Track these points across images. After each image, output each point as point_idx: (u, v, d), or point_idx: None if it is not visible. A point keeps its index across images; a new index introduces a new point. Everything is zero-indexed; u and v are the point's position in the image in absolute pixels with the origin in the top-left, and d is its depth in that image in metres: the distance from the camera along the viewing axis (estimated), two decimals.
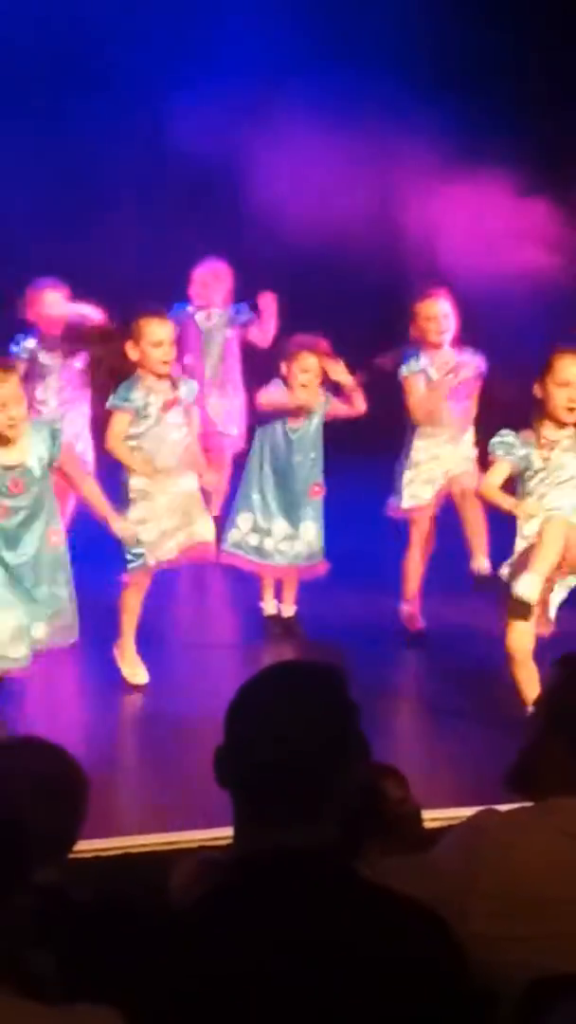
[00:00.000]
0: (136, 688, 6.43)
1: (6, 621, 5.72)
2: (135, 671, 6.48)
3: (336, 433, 7.08)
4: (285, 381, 6.89)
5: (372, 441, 7.32)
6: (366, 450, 7.59)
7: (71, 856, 3.03)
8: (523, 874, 2.72)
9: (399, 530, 7.17)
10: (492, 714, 5.95)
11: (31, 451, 5.85)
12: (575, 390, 5.95)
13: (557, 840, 2.75)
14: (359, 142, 9.14)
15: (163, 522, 6.46)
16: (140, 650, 6.53)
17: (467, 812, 2.92)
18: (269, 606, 7.19)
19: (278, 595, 7.17)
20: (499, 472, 6.02)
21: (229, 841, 2.36)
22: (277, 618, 7.18)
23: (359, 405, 6.97)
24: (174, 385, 6.55)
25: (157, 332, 6.44)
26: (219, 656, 6.85)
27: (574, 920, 2.69)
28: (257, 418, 7.15)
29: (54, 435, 5.95)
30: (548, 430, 5.99)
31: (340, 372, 6.91)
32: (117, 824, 4.99)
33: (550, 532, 5.82)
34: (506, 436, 6.02)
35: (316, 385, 6.91)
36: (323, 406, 6.97)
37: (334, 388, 6.97)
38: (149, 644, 6.63)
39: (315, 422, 6.98)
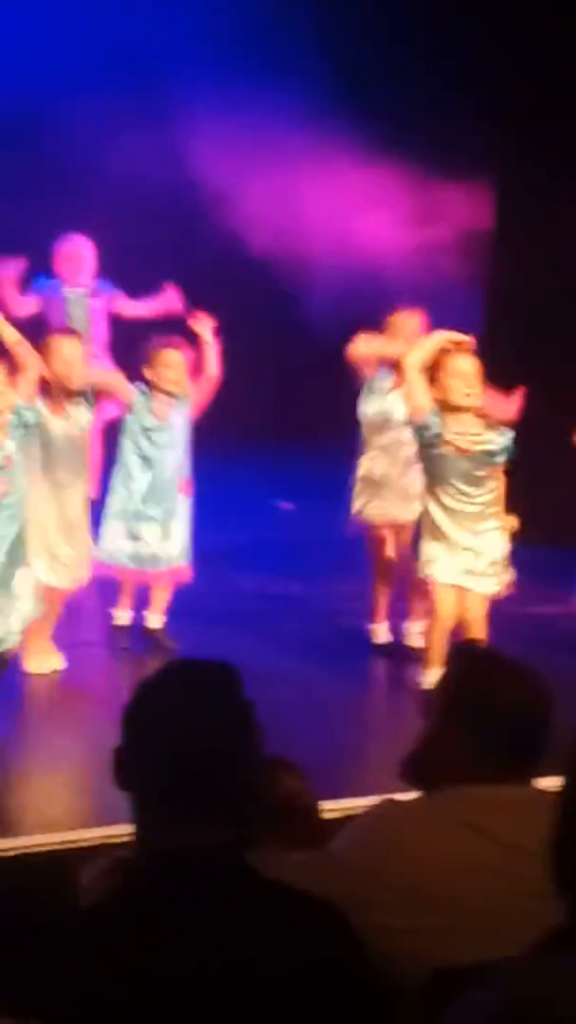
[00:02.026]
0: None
1: None
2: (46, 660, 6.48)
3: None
4: (150, 384, 6.76)
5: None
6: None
7: None
8: (423, 865, 2.72)
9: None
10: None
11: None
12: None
13: (456, 830, 2.76)
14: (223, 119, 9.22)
15: None
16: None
17: (366, 802, 2.92)
18: (124, 616, 7.00)
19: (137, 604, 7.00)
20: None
21: (128, 839, 2.36)
22: (127, 629, 6.98)
23: (211, 367, 6.85)
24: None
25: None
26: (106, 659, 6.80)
27: (474, 910, 2.70)
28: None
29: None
30: None
31: (203, 326, 6.88)
32: (14, 826, 4.96)
33: None
34: None
35: (184, 379, 6.79)
36: (186, 401, 6.84)
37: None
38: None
39: (180, 418, 6.84)
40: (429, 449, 6.20)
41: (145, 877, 2.26)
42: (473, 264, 8.69)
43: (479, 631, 6.08)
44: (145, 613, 6.97)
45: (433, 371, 6.18)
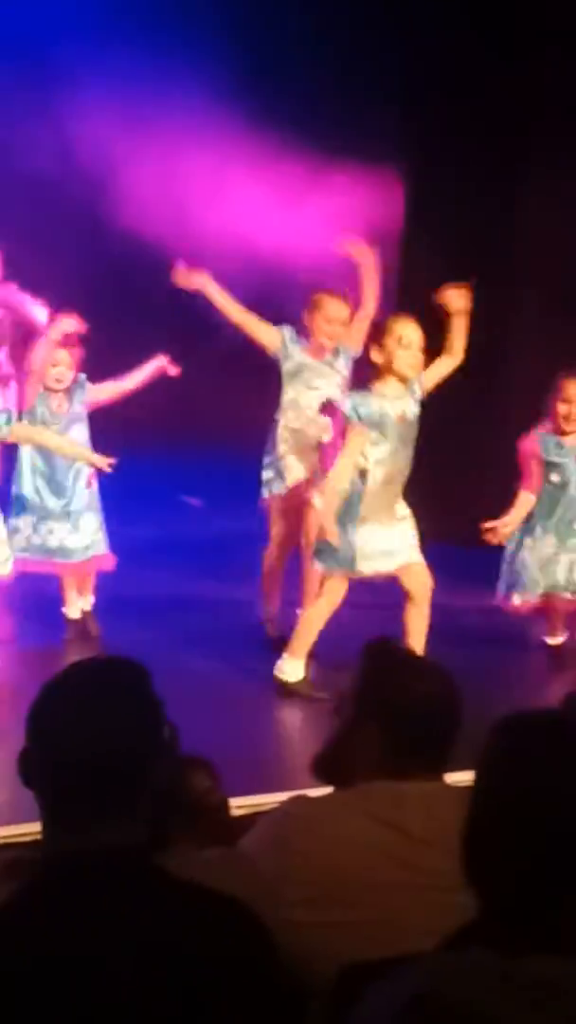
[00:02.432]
0: None
1: None
2: None
3: None
4: (36, 376, 6.70)
5: None
6: None
7: None
8: (333, 860, 2.73)
9: None
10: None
11: None
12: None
13: (366, 825, 2.77)
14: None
15: None
16: None
17: (276, 798, 2.92)
18: (73, 610, 7.01)
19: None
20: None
21: (33, 837, 2.33)
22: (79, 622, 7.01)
23: (125, 382, 6.84)
24: None
25: None
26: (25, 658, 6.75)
27: (383, 905, 2.71)
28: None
29: None
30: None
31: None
32: None
33: None
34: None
35: (71, 377, 6.74)
36: (81, 390, 6.79)
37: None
38: None
39: (76, 408, 6.78)
40: None
41: (49, 877, 2.23)
42: (383, 254, 8.66)
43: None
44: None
45: (379, 335, 6.13)
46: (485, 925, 2.05)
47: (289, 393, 6.78)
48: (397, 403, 6.14)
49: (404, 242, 9.22)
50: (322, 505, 6.21)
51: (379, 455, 6.12)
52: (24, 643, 6.88)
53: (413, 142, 9.17)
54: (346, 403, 6.20)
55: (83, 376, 6.81)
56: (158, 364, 6.91)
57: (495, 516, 6.59)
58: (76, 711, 2.28)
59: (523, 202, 8.80)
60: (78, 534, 6.81)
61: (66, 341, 6.68)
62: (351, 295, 6.82)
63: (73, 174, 9.56)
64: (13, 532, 6.73)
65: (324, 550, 6.16)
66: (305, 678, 6.18)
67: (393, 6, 9.23)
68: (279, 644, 6.53)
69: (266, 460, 6.88)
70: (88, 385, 6.81)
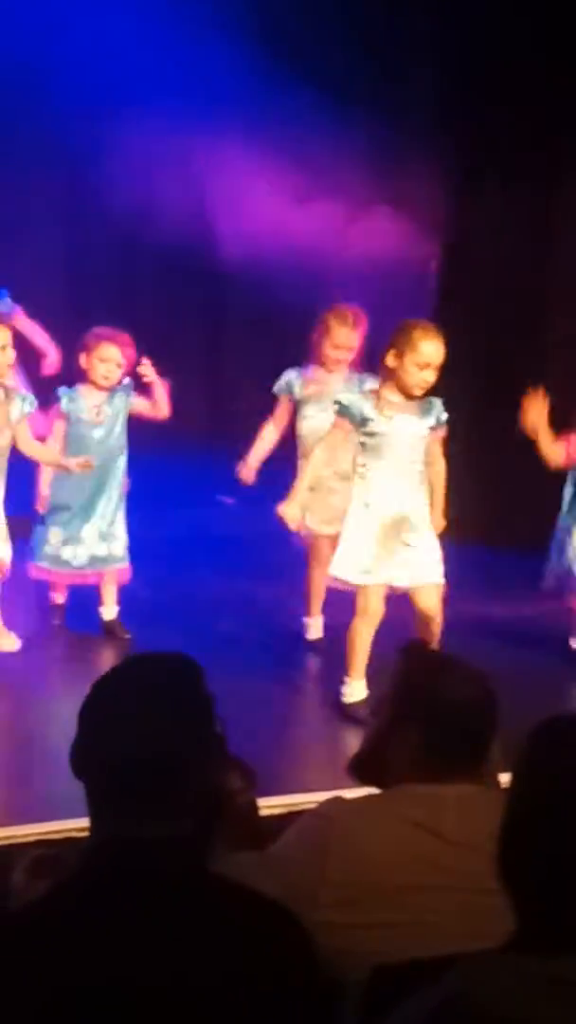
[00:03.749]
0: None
1: None
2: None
3: None
4: (85, 373, 6.69)
5: None
6: None
7: None
8: (370, 862, 2.74)
9: None
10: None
11: None
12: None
13: (402, 827, 2.78)
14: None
15: None
16: None
17: (307, 799, 2.92)
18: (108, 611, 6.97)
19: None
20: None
21: (63, 835, 2.33)
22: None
23: (163, 408, 6.79)
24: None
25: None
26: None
27: (418, 907, 2.72)
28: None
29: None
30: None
31: (147, 370, 6.72)
32: None
33: None
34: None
35: (117, 376, 6.70)
36: (126, 399, 6.77)
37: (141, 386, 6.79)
38: None
39: (119, 417, 6.75)
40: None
41: (96, 865, 2.23)
42: (425, 253, 8.59)
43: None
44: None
45: (401, 340, 5.83)
46: (518, 927, 2.04)
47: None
48: (400, 416, 5.92)
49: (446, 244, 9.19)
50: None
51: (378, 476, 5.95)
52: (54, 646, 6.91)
53: (461, 141, 9.08)
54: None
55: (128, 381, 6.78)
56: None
57: (531, 518, 6.56)
58: (129, 705, 2.29)
59: (560, 215, 8.78)
60: (114, 541, 6.83)
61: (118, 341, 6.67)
62: (361, 317, 6.71)
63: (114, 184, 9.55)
64: (43, 540, 6.78)
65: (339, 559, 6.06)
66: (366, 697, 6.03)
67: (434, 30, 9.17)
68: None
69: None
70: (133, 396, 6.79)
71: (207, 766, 2.30)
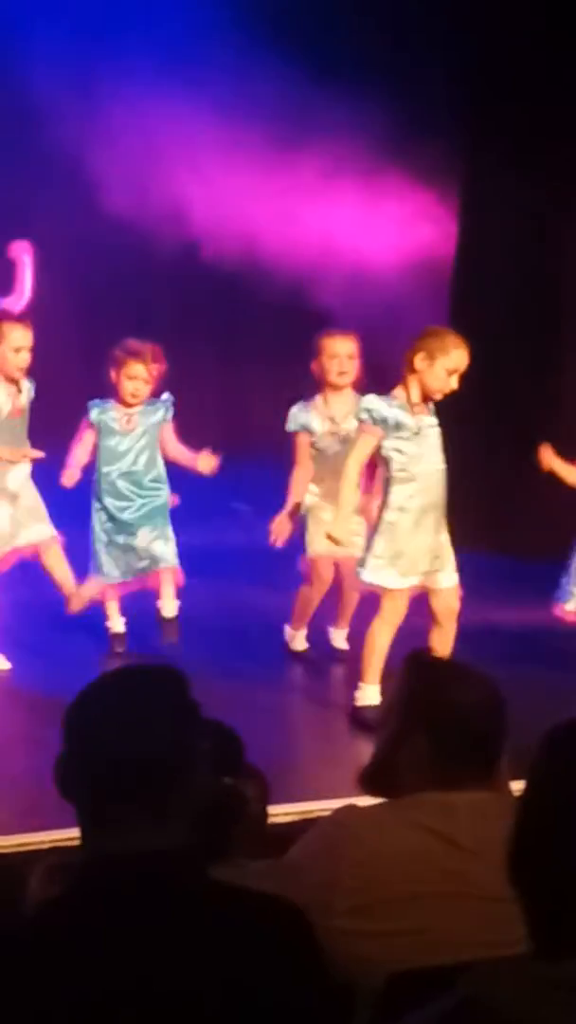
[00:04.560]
0: None
1: None
2: None
3: None
4: (115, 389, 6.67)
5: None
6: None
7: None
8: (383, 869, 2.74)
9: None
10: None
11: None
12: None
13: (416, 834, 2.78)
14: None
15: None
16: None
17: (318, 806, 2.92)
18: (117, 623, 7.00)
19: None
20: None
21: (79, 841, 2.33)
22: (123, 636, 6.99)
23: (204, 467, 6.76)
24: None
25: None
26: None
27: (432, 914, 2.72)
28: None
29: None
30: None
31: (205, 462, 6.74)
32: None
33: None
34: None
35: (145, 392, 6.67)
36: (163, 413, 6.75)
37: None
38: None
39: (153, 432, 6.74)
40: None
41: (87, 881, 2.23)
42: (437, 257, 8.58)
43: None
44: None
45: (431, 345, 5.93)
46: (530, 932, 2.04)
47: None
48: (427, 417, 6.02)
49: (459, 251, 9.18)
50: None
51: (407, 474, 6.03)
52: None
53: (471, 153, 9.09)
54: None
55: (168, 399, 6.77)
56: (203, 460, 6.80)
57: (551, 528, 6.55)
58: (109, 716, 2.29)
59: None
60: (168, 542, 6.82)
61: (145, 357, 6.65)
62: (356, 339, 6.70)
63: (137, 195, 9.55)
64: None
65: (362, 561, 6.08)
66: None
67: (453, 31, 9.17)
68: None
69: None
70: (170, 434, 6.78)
71: (197, 774, 2.29)
